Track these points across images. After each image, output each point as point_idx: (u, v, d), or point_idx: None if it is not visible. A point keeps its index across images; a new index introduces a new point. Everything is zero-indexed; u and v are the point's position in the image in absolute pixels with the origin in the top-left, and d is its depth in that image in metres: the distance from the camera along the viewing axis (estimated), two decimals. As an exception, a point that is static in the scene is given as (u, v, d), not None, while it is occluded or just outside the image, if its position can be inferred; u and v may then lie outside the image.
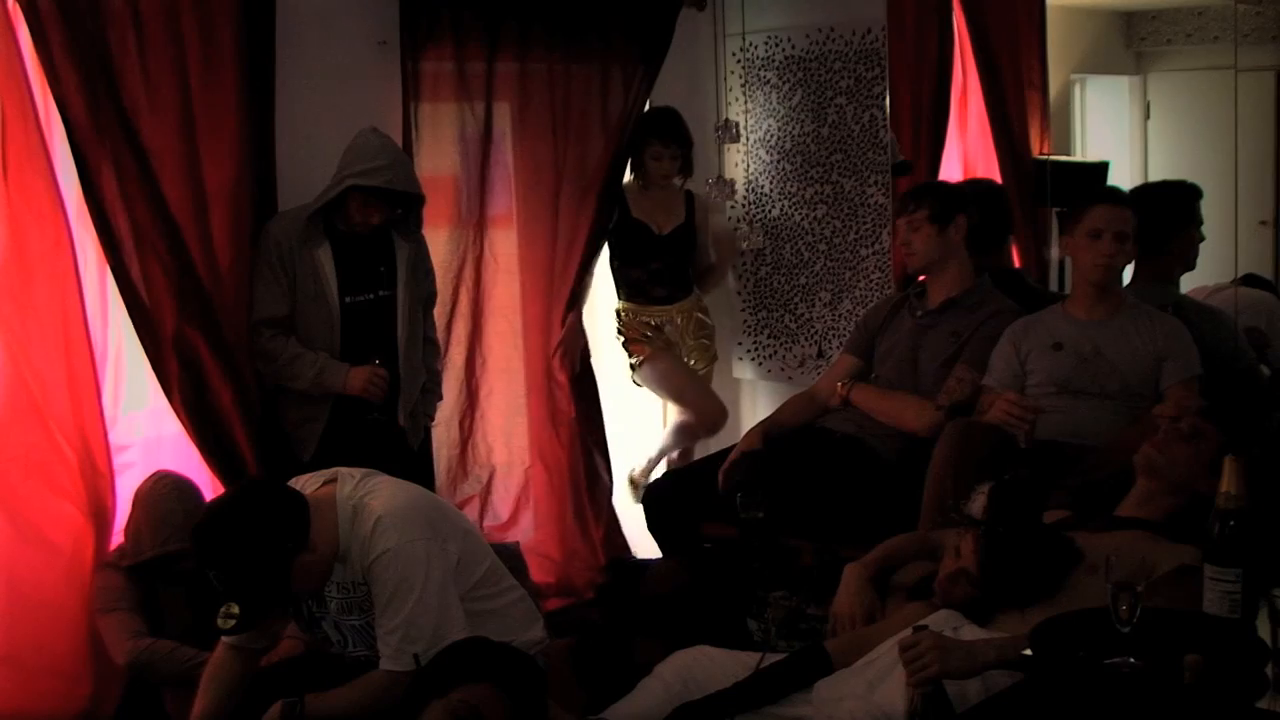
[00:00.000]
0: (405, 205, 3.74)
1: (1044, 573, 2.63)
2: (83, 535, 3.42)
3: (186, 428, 3.57)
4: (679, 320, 4.84)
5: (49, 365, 3.33)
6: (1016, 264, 4.57)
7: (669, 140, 4.62)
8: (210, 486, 3.60)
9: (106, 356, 3.56)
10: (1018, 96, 4.84)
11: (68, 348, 3.35)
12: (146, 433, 3.72)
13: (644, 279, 4.77)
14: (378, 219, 3.65)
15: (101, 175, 3.35)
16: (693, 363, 4.89)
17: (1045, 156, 4.88)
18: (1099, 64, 4.97)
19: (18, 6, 3.19)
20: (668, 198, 4.75)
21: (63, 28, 3.22)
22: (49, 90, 3.26)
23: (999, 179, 4.76)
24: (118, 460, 3.55)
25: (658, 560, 4.09)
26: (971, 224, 3.85)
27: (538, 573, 4.36)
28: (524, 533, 4.55)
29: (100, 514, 3.45)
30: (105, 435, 3.45)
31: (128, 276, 3.42)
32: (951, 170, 4.90)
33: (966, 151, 4.96)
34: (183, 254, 3.49)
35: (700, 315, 4.91)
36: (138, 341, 3.49)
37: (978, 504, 2.85)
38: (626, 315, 4.82)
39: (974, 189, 4.20)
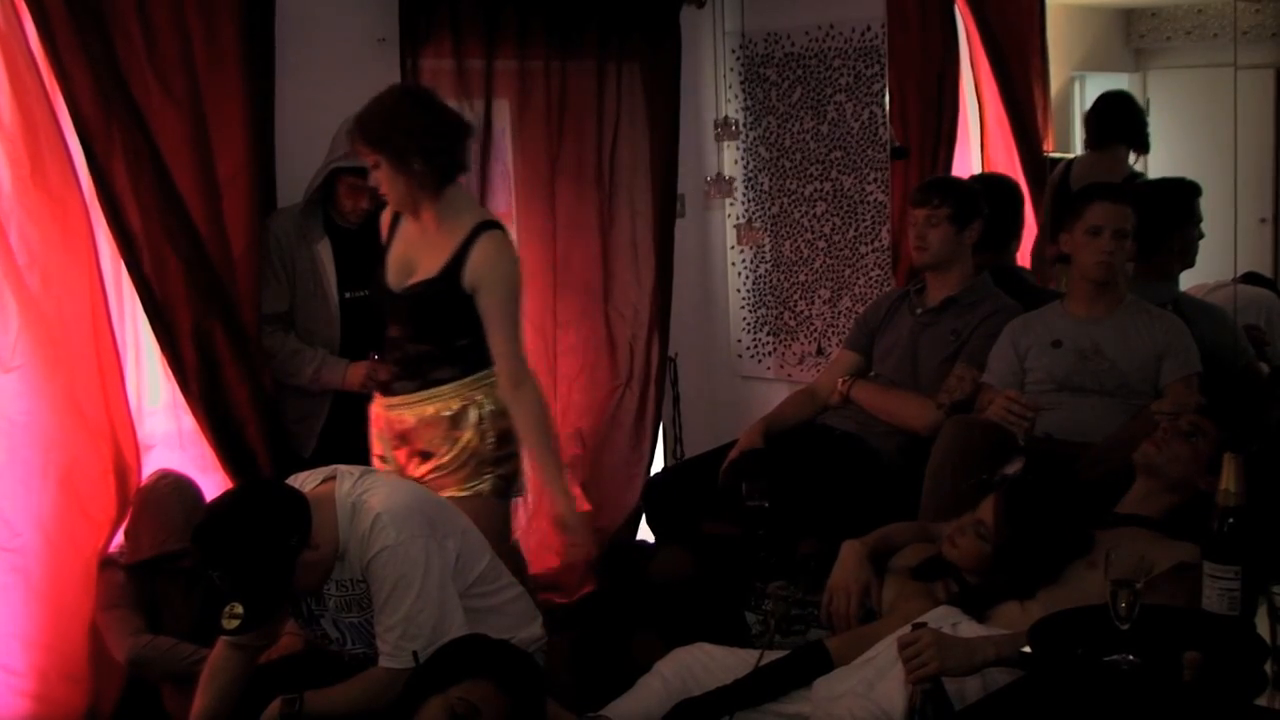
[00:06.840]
0: None
1: (1060, 542, 2.66)
2: (102, 532, 3.42)
3: (200, 423, 3.55)
4: (406, 424, 3.29)
5: (82, 363, 3.33)
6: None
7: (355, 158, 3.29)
8: (215, 485, 3.59)
9: (130, 353, 3.55)
10: (1028, 93, 4.84)
11: (97, 345, 3.35)
12: (156, 430, 3.69)
13: (380, 354, 3.44)
14: (367, 203, 3.63)
15: (113, 170, 3.34)
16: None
17: (1046, 154, 4.88)
18: (1099, 61, 4.97)
19: (25, 8, 3.19)
20: (444, 233, 3.20)
21: (70, 26, 3.22)
22: (59, 88, 3.26)
23: (1016, 174, 4.75)
24: (144, 458, 3.53)
25: (663, 546, 4.05)
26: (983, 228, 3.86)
27: (536, 569, 4.36)
28: (522, 529, 4.55)
29: (120, 510, 3.44)
30: (134, 432, 3.44)
31: (141, 270, 3.42)
32: (970, 164, 4.90)
33: (987, 146, 4.96)
34: (197, 246, 3.48)
35: (451, 433, 3.23)
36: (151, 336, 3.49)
37: (1013, 469, 2.92)
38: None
39: (987, 185, 4.18)
